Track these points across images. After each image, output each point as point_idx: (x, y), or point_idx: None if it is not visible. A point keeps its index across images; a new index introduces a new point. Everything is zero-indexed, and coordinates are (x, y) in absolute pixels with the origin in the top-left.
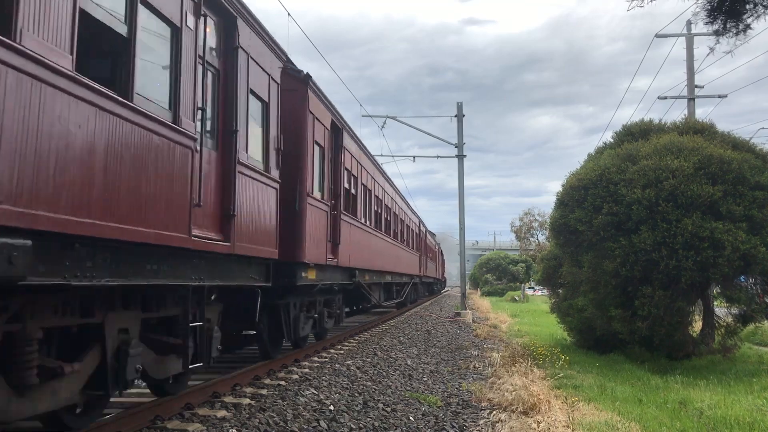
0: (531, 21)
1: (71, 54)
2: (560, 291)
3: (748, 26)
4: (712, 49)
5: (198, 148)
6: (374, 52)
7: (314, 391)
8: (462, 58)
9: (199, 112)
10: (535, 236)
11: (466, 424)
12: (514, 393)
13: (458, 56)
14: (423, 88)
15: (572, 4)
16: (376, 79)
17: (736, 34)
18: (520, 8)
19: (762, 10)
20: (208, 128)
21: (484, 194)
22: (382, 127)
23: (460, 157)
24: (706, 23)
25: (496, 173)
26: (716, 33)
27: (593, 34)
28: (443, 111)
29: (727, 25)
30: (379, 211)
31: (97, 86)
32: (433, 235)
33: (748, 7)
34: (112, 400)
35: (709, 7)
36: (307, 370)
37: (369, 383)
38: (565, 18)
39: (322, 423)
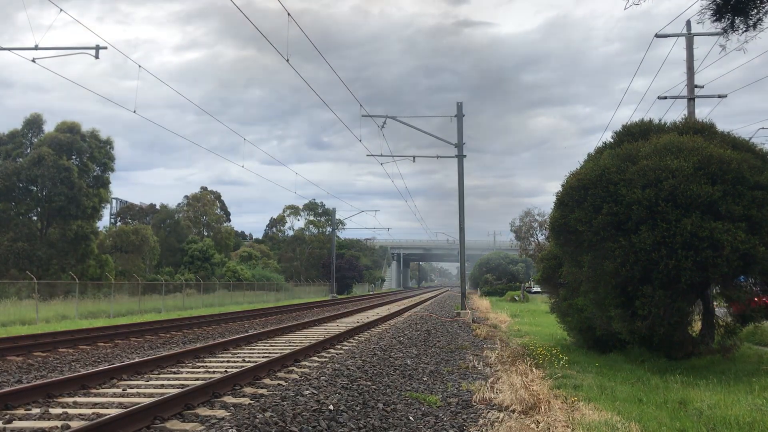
0: (528, 22)
1: None
2: (561, 291)
3: (759, 20)
4: (723, 47)
5: None
6: (372, 52)
7: (314, 391)
8: (460, 59)
9: None
10: (535, 236)
11: (466, 424)
12: (513, 393)
13: (456, 57)
14: (420, 89)
15: (569, 6)
16: (374, 80)
17: (746, 30)
18: (517, 9)
19: None
20: None
21: (482, 194)
22: (382, 127)
23: (460, 157)
24: (713, 21)
25: (494, 173)
26: (724, 31)
27: (590, 35)
28: (441, 112)
29: (735, 22)
30: None
31: None
32: None
33: (755, 2)
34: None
35: (714, 6)
36: (306, 370)
37: (369, 383)
38: (562, 19)
39: (322, 423)
